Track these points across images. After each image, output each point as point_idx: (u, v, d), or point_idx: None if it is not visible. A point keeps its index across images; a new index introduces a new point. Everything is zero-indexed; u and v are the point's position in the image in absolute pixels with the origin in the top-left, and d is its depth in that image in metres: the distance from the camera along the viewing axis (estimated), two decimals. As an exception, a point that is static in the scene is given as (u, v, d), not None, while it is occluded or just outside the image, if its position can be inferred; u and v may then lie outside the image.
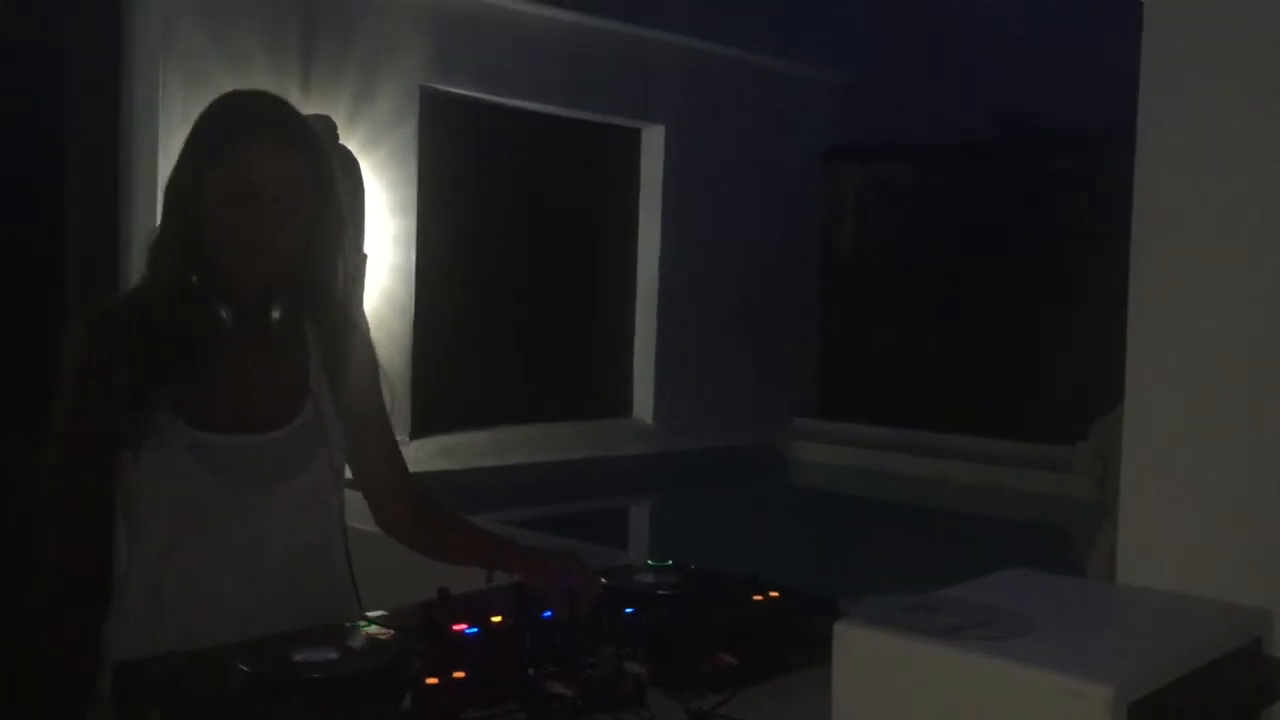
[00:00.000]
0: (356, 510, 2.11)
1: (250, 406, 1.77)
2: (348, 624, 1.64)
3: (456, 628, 1.62)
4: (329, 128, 4.36)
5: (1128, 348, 1.43)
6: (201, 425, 1.71)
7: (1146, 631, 1.17)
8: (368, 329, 2.02)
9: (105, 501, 1.73)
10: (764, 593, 1.88)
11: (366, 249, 4.85)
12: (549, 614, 1.71)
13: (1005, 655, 1.03)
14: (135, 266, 2.03)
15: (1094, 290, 6.29)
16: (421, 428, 5.50)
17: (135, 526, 1.74)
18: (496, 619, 1.67)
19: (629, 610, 1.75)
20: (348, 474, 1.95)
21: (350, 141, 4.82)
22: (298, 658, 1.43)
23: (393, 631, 1.59)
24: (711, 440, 6.65)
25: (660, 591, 1.86)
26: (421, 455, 5.38)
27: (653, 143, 6.70)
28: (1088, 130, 7.46)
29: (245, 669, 1.40)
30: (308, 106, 4.70)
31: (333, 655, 1.45)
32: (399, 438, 2.09)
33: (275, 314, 1.77)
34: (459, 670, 1.45)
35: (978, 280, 7.17)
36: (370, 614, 1.72)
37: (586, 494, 5.97)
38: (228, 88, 1.84)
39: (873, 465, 6.85)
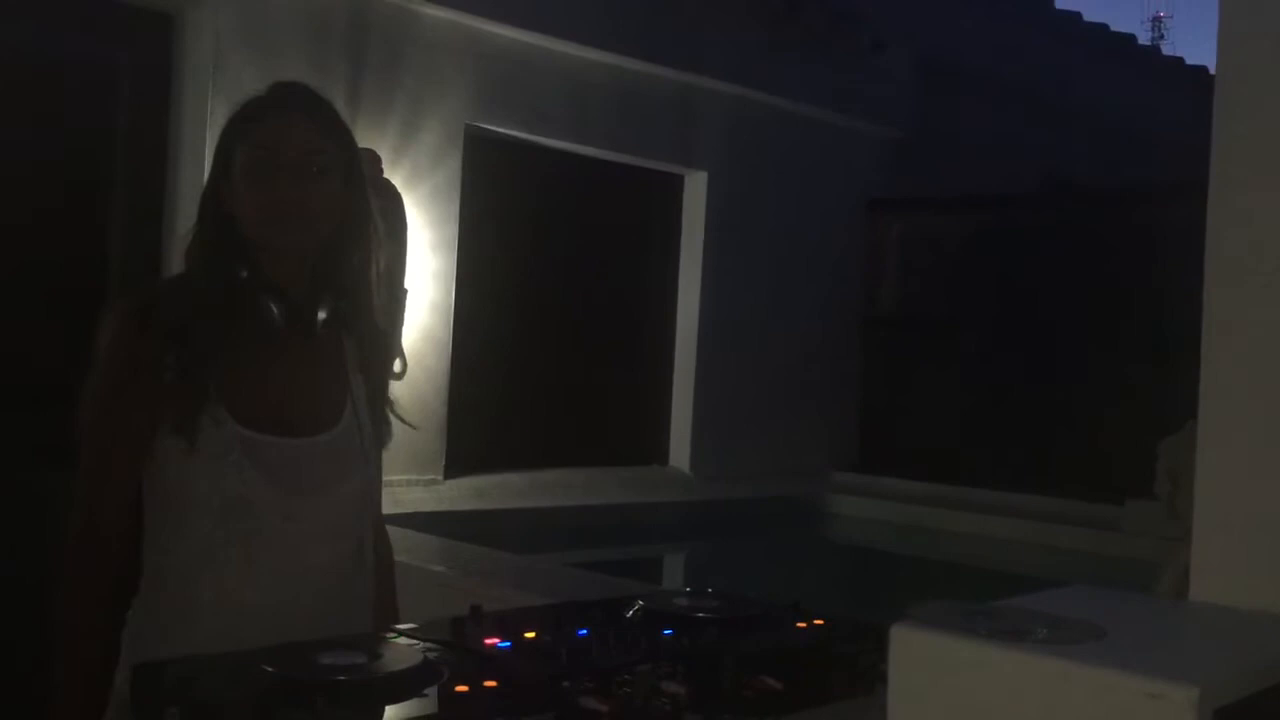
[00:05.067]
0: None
1: (295, 409, 1.74)
2: (374, 633, 1.59)
3: (489, 641, 1.57)
4: (374, 161, 4.36)
5: (1202, 363, 1.38)
6: (251, 425, 1.68)
7: (1227, 642, 1.09)
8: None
9: (134, 500, 1.70)
10: (808, 620, 1.82)
11: (406, 285, 4.83)
12: (584, 632, 1.65)
13: (1078, 658, 0.96)
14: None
15: (1140, 345, 6.24)
16: (455, 467, 5.45)
17: (175, 527, 1.69)
18: (530, 635, 1.62)
19: (667, 632, 1.69)
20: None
21: (394, 177, 4.82)
22: (323, 661, 1.38)
23: (421, 641, 1.53)
24: (749, 491, 6.55)
25: (700, 615, 1.79)
26: (455, 495, 5.33)
27: (695, 189, 6.68)
28: (1131, 187, 7.41)
29: (269, 670, 1.34)
30: (352, 140, 4.71)
31: (359, 659, 1.39)
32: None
33: (322, 313, 1.75)
34: (490, 680, 1.40)
35: (1020, 335, 7.08)
36: (400, 626, 1.67)
37: (621, 540, 5.89)
38: (275, 120, 1.83)
39: (912, 520, 6.73)
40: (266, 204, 1.71)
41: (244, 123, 1.74)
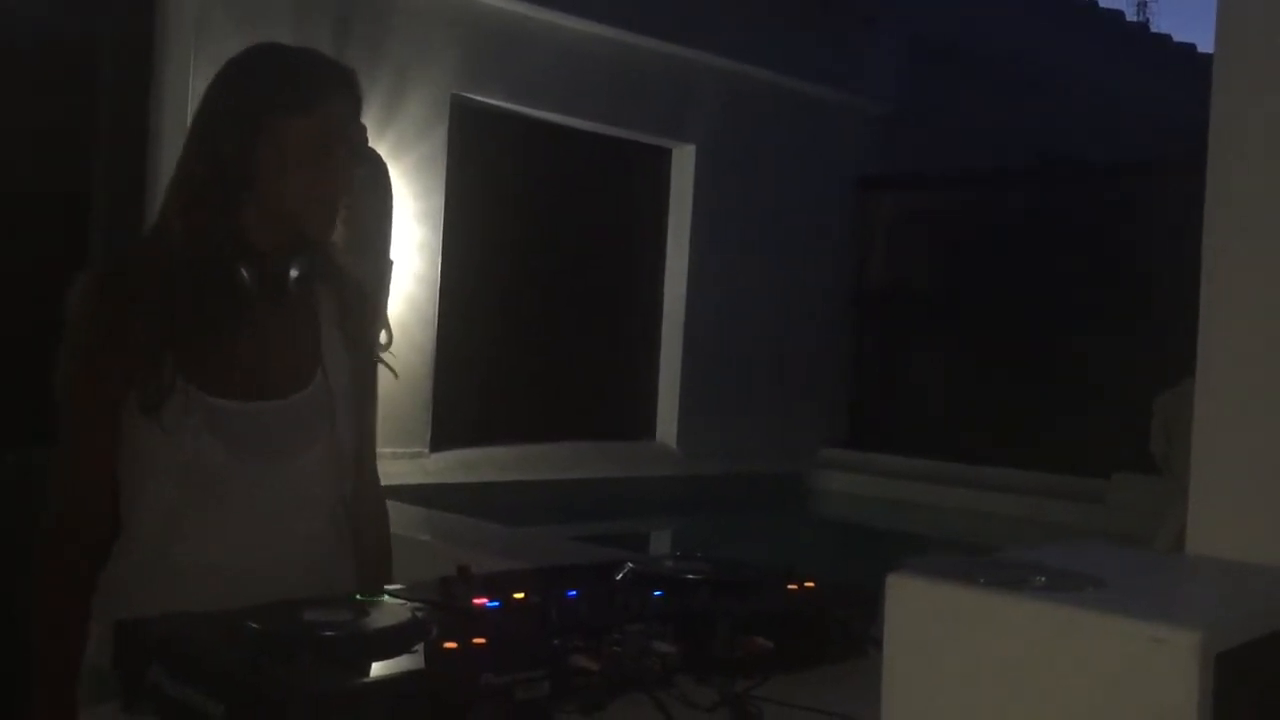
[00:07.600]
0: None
1: (263, 372, 1.70)
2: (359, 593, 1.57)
3: (477, 601, 1.55)
4: (360, 130, 4.32)
5: (1200, 315, 1.36)
6: (213, 390, 1.65)
7: (1227, 591, 1.08)
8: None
9: (111, 464, 1.67)
10: (799, 583, 1.80)
11: (391, 256, 4.79)
12: (574, 593, 1.63)
13: (1078, 604, 0.94)
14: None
15: (1128, 321, 6.24)
16: (442, 440, 5.42)
17: (140, 493, 1.67)
18: (519, 595, 1.60)
19: (657, 594, 1.68)
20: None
21: (379, 147, 4.78)
22: (309, 617, 1.36)
23: (408, 601, 1.51)
24: (737, 467, 6.53)
25: (690, 576, 1.77)
26: (441, 467, 5.31)
27: (683, 162, 6.65)
28: (1120, 162, 7.40)
29: (254, 626, 1.32)
30: (338, 109, 4.67)
31: (346, 616, 1.37)
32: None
33: (294, 274, 1.72)
34: (479, 638, 1.38)
35: (1009, 311, 7.08)
36: (386, 587, 1.65)
37: (608, 514, 5.88)
38: (340, 102, 1.77)
39: (902, 496, 6.73)
40: (319, 187, 1.68)
41: (294, 92, 1.68)
